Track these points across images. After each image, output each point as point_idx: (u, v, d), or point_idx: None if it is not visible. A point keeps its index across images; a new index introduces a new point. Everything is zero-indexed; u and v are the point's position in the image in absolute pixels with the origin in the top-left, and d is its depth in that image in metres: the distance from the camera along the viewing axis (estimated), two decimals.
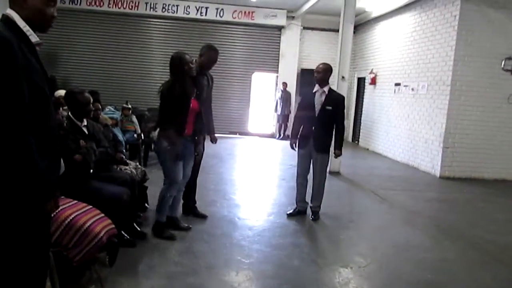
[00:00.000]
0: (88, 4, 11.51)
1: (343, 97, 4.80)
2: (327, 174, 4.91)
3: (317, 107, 4.62)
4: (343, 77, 7.70)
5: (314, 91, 4.70)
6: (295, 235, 4.37)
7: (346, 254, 3.93)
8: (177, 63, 3.76)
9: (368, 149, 11.31)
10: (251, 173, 7.43)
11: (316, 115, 4.62)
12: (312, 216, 4.84)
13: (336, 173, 7.63)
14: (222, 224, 4.47)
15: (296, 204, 4.97)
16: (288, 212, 4.94)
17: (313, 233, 4.47)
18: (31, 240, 1.77)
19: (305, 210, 4.97)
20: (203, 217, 4.60)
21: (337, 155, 4.75)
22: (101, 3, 11.60)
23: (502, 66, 7.71)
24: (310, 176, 4.90)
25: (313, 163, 4.77)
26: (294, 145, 4.89)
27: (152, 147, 8.01)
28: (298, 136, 4.83)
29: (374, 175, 7.84)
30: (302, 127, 4.79)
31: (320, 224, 4.74)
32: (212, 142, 4.61)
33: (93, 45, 11.91)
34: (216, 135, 4.68)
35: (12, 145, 1.59)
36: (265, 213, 4.99)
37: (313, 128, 4.64)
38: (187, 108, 3.79)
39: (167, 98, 3.71)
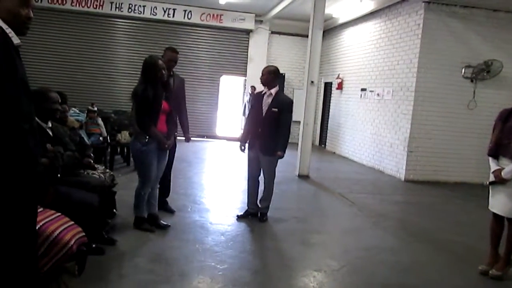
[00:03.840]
0: (50, 2, 11.08)
1: (290, 100, 4.80)
2: (275, 176, 4.86)
3: (264, 108, 4.64)
4: (312, 82, 7.78)
5: (262, 93, 4.75)
6: (268, 240, 4.35)
7: (319, 257, 3.93)
8: (151, 68, 3.95)
9: (334, 152, 11.50)
10: (220, 176, 7.36)
11: (263, 116, 4.64)
12: (260, 217, 4.84)
13: (305, 177, 7.70)
14: (194, 229, 4.38)
15: (248, 206, 4.97)
16: (238, 214, 4.92)
17: (286, 237, 4.45)
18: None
19: (256, 213, 4.94)
20: (171, 211, 4.82)
21: (279, 156, 4.65)
22: (64, 1, 11.20)
23: (462, 73, 8.04)
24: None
25: (261, 165, 4.77)
26: (243, 147, 4.88)
27: (118, 149, 7.81)
28: (248, 139, 4.86)
29: (342, 179, 7.96)
30: (252, 129, 4.82)
31: (292, 228, 4.74)
32: (186, 140, 4.88)
33: (55, 44, 11.47)
34: (183, 138, 4.96)
35: (11, 135, 1.59)
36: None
37: (259, 129, 4.67)
38: (159, 110, 4.02)
39: (141, 101, 3.90)
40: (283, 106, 4.63)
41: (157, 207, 4.44)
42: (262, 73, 4.70)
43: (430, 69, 7.99)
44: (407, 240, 4.68)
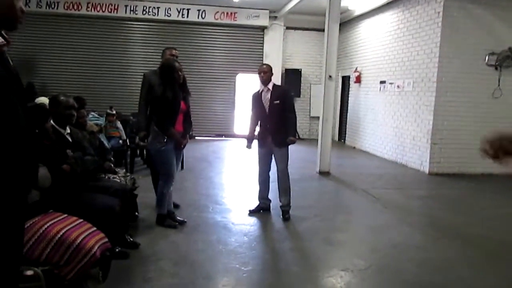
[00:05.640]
0: (66, 8, 11.18)
1: (288, 89, 5.21)
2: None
3: (266, 104, 4.80)
4: (330, 76, 7.64)
5: (260, 91, 4.88)
6: (291, 240, 4.27)
7: (345, 257, 3.84)
8: (168, 70, 4.06)
9: (354, 147, 11.32)
10: (240, 176, 7.29)
11: (267, 112, 4.78)
12: (282, 216, 4.86)
13: (326, 173, 7.58)
14: (217, 230, 4.34)
15: (259, 201, 5.06)
16: (250, 209, 5.01)
17: (310, 236, 4.36)
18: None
19: (267, 207, 5.07)
20: (176, 206, 4.81)
21: (291, 141, 4.75)
22: (79, 7, 11.29)
23: (486, 61, 7.78)
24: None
25: (274, 159, 4.89)
26: (250, 146, 5.08)
27: (138, 152, 7.84)
28: (258, 137, 4.97)
29: (364, 174, 7.80)
30: (258, 128, 4.95)
31: (316, 227, 4.65)
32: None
33: (72, 50, 11.58)
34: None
35: None
36: (259, 218, 4.87)
37: (268, 125, 4.80)
38: (178, 111, 4.14)
39: (161, 103, 4.04)
40: (283, 95, 4.83)
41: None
42: (263, 72, 4.80)
43: (452, 58, 7.75)
44: (435, 236, 4.53)
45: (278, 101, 4.74)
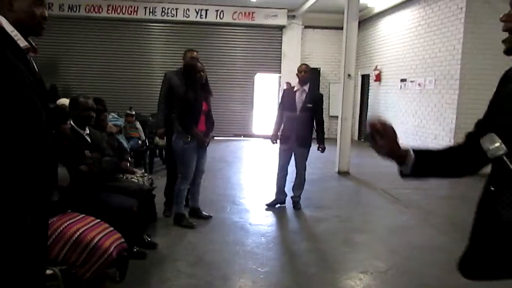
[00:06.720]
0: (87, 11, 11.42)
1: (322, 94, 5.27)
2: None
3: (298, 105, 4.85)
4: (349, 75, 7.54)
5: (294, 90, 4.93)
6: (309, 241, 4.22)
7: (364, 259, 3.76)
8: (190, 71, 4.16)
9: None
10: (258, 176, 7.26)
11: (298, 113, 4.85)
12: (294, 206, 5.11)
13: (345, 173, 7.48)
14: (234, 231, 4.33)
15: (275, 195, 5.17)
16: (266, 203, 5.14)
17: (328, 237, 4.31)
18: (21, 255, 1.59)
19: (283, 201, 5.18)
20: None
21: (323, 149, 4.95)
22: (100, 10, 11.50)
23: None
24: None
25: (295, 157, 5.02)
26: (275, 141, 5.18)
27: (157, 152, 7.90)
28: (281, 134, 5.07)
29: (384, 174, 7.60)
30: (284, 124, 5.02)
31: (334, 228, 4.58)
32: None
33: (93, 52, 11.81)
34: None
35: None
36: (277, 218, 4.83)
37: (295, 125, 4.87)
38: (200, 111, 4.23)
39: (183, 103, 4.14)
40: (317, 101, 4.93)
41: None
42: (303, 71, 4.87)
43: (476, 55, 7.53)
44: (458, 238, 4.38)
45: (311, 105, 4.81)
